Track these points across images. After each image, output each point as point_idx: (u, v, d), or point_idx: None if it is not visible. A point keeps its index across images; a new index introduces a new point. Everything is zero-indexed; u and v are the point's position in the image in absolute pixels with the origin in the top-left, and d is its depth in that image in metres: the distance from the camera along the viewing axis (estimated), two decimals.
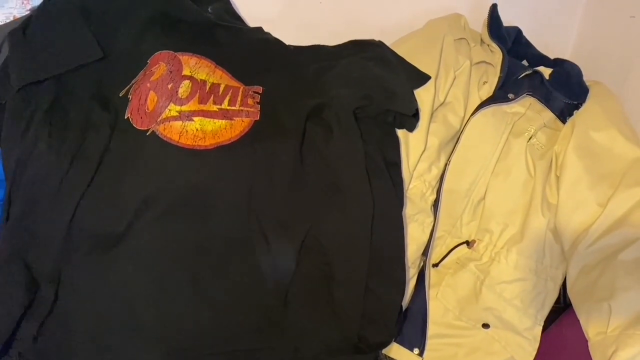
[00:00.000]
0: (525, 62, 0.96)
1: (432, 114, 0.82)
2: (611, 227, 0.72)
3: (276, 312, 0.72)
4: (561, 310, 0.80)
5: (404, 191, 0.79)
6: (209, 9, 0.83)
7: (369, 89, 0.77)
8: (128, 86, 0.74)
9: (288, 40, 0.86)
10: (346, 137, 0.75)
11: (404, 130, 0.80)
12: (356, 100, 0.76)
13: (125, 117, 0.72)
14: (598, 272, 0.70)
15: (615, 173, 0.75)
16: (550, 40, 1.04)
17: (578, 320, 0.73)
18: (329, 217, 0.73)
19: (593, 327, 0.68)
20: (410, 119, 0.78)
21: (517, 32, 0.97)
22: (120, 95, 0.73)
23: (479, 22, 0.96)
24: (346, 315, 0.73)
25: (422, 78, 0.81)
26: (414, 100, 0.78)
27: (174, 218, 0.70)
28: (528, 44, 0.98)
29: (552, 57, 0.98)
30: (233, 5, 0.88)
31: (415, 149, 0.80)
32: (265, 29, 0.87)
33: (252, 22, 0.89)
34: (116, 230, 0.69)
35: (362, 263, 0.74)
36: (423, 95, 0.81)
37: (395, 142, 0.78)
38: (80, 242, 0.69)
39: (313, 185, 0.74)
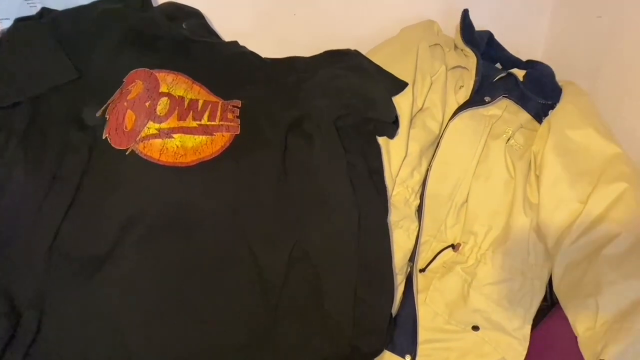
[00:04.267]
0: (498, 65, 0.97)
1: (411, 120, 0.82)
2: (593, 224, 0.73)
3: (266, 327, 0.71)
4: (548, 309, 0.81)
5: (388, 198, 0.79)
6: (183, 25, 0.82)
7: (348, 98, 0.77)
8: (105, 106, 0.72)
9: (264, 53, 0.86)
10: (328, 147, 0.75)
11: (385, 138, 0.80)
12: (336, 110, 0.77)
13: (104, 138, 0.71)
14: (583, 268, 0.71)
15: (594, 170, 0.77)
16: (521, 42, 1.05)
17: (566, 318, 0.74)
18: (315, 228, 0.73)
19: (581, 324, 0.69)
20: (390, 126, 0.79)
21: (489, 36, 0.98)
22: (97, 116, 0.72)
23: (450, 28, 0.98)
24: (337, 326, 0.73)
25: (400, 85, 0.81)
26: (393, 108, 0.78)
27: (158, 238, 0.69)
28: (500, 47, 0.99)
29: (524, 59, 1.00)
30: (207, 21, 0.87)
31: (397, 155, 0.80)
32: (241, 43, 0.86)
33: (227, 37, 0.89)
34: (99, 253, 0.68)
35: (350, 272, 0.73)
36: (401, 102, 0.81)
37: (377, 149, 0.79)
38: (62, 268, 0.67)
39: (297, 196, 0.74)
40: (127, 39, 0.76)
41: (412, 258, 0.82)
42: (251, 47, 0.87)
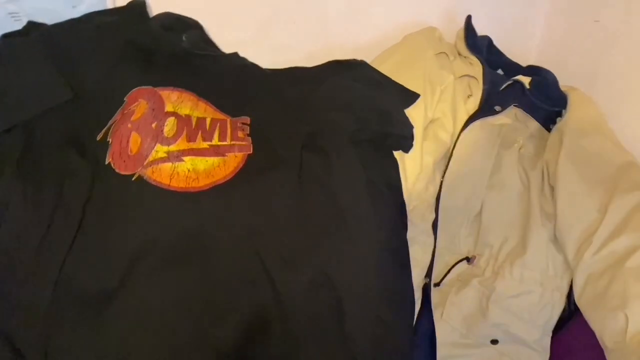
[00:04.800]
0: (500, 71, 0.96)
1: (423, 132, 0.80)
2: (614, 234, 0.72)
3: (286, 353, 0.68)
4: (567, 318, 0.80)
5: (407, 214, 0.76)
6: (182, 37, 0.77)
7: (363, 112, 0.74)
8: (105, 128, 0.67)
9: (263, 64, 0.82)
10: (345, 164, 0.72)
11: (400, 152, 0.78)
12: (351, 125, 0.73)
13: (106, 163, 0.65)
14: (607, 280, 0.70)
15: (608, 179, 0.76)
16: (513, 47, 1.04)
17: (586, 327, 0.74)
18: (336, 250, 0.69)
19: (610, 337, 0.68)
20: (407, 140, 0.76)
21: (489, 41, 0.97)
22: (97, 139, 0.66)
23: (448, 33, 0.96)
24: (359, 349, 0.70)
25: (412, 96, 0.79)
26: (409, 121, 0.76)
27: (171, 268, 0.64)
28: (499, 53, 0.98)
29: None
30: (205, 32, 0.82)
31: (412, 169, 0.78)
32: (241, 54, 0.82)
33: (225, 46, 0.84)
34: (108, 287, 0.62)
35: (372, 294, 0.71)
36: (414, 114, 0.79)
37: (395, 164, 0.76)
38: (67, 305, 0.61)
39: (316, 217, 0.70)
40: (126, 55, 0.70)
41: (428, 273, 0.80)
42: (250, 56, 0.83)
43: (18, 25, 0.71)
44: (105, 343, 0.62)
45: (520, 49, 1.08)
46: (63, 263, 0.62)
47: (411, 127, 0.75)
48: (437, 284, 0.82)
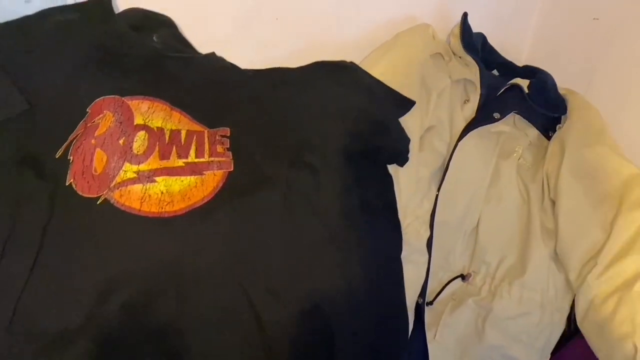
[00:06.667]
0: (495, 72, 0.90)
1: (419, 142, 0.74)
2: (619, 255, 0.68)
3: None
4: (566, 339, 0.76)
5: (402, 234, 0.71)
6: (153, 37, 0.69)
7: (357, 124, 0.67)
8: (66, 144, 0.59)
9: (244, 63, 0.75)
10: (336, 182, 0.65)
11: (394, 165, 0.71)
12: (343, 136, 0.67)
13: (67, 184, 0.57)
14: (613, 304, 0.66)
15: (613, 193, 0.72)
16: (505, 42, 0.99)
17: (584, 349, 0.71)
18: (326, 276, 0.64)
19: None
20: (403, 154, 0.70)
21: (483, 39, 0.91)
22: (57, 157, 0.58)
23: (441, 30, 0.90)
24: None
25: (407, 103, 0.73)
26: (405, 133, 0.69)
27: (146, 303, 0.57)
28: (493, 51, 0.93)
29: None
30: (179, 30, 0.74)
31: (407, 184, 0.72)
32: (219, 51, 0.74)
33: (202, 43, 0.76)
34: (72, 325, 0.55)
35: (364, 321, 0.66)
36: (409, 123, 0.73)
37: (389, 181, 0.70)
38: (21, 349, 0.54)
39: (304, 241, 0.64)
40: (88, 59, 0.62)
41: (422, 293, 0.75)
42: (230, 55, 0.75)
43: None
44: None
45: (513, 45, 1.02)
46: (18, 300, 0.54)
47: (408, 140, 0.69)
48: (429, 303, 0.77)
